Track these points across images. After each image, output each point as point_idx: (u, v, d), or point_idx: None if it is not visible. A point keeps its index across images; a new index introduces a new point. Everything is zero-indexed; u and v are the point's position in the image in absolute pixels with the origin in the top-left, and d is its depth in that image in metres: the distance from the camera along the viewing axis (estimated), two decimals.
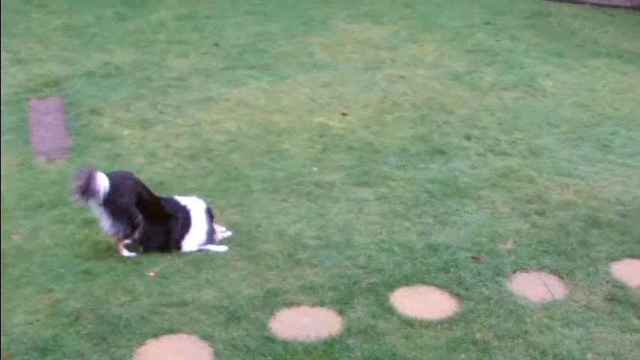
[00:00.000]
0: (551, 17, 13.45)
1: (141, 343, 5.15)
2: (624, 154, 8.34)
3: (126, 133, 8.34)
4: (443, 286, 5.85)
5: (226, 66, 10.39)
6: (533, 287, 5.88)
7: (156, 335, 5.22)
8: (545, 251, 6.35)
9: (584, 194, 7.37)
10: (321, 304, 5.61)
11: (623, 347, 5.27)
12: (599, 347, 5.25)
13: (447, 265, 6.08)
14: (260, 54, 10.89)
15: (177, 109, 8.99)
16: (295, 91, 9.64)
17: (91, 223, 6.45)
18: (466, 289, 5.81)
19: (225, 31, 11.83)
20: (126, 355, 5.03)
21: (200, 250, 6.29)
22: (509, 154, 8.20)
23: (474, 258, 6.21)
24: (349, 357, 5.06)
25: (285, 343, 5.15)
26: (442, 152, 8.16)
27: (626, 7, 14.23)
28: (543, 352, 5.18)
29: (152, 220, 6.19)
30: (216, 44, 11.24)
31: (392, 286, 5.81)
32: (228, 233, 6.51)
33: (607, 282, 5.97)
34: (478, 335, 5.32)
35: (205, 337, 5.21)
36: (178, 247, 6.29)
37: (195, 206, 6.37)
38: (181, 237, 6.28)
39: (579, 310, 5.64)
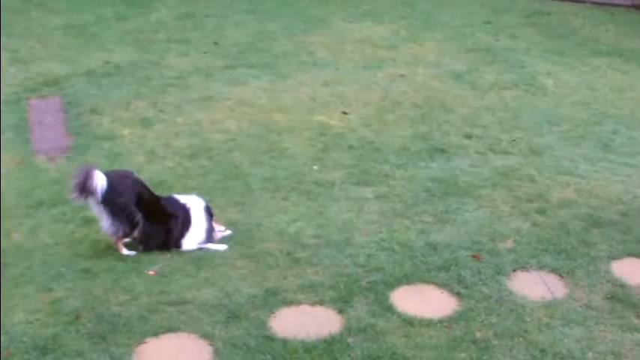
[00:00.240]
0: (552, 16, 13.44)
1: (141, 342, 5.15)
2: (625, 153, 8.33)
3: (126, 132, 8.34)
4: (443, 285, 5.85)
5: (226, 65, 10.39)
6: (534, 286, 5.88)
7: (156, 334, 5.22)
8: (546, 250, 6.34)
9: (585, 193, 7.36)
10: (321, 302, 5.60)
11: (623, 346, 5.26)
12: (599, 346, 5.25)
13: (447, 264, 6.08)
14: (260, 53, 10.89)
15: (178, 108, 8.99)
16: (295, 90, 9.63)
17: (90, 221, 6.44)
18: (466, 287, 5.81)
19: (225, 30, 11.83)
20: (126, 354, 5.03)
21: (200, 249, 6.28)
22: (509, 153, 8.19)
23: (474, 257, 6.20)
24: (349, 356, 5.06)
25: (285, 342, 5.15)
26: (442, 151, 8.16)
27: (627, 6, 14.21)
28: (543, 351, 5.17)
29: (152, 219, 6.18)
30: (216, 43, 11.24)
31: (392, 285, 5.81)
32: (228, 232, 6.51)
33: (607, 281, 5.97)
34: (478, 334, 5.31)
35: (205, 336, 5.21)
36: (178, 245, 6.28)
37: (195, 205, 6.36)
38: (181, 235, 6.28)
39: (579, 309, 5.63)
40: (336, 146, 8.21)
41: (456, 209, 6.97)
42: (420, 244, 6.37)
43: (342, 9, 13.12)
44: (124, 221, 6.08)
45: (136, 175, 6.45)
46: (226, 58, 10.64)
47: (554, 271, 6.07)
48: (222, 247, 6.31)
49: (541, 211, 6.96)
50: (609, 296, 5.78)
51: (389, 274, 5.93)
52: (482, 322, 5.44)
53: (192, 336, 5.22)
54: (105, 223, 6.10)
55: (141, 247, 6.24)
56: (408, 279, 5.90)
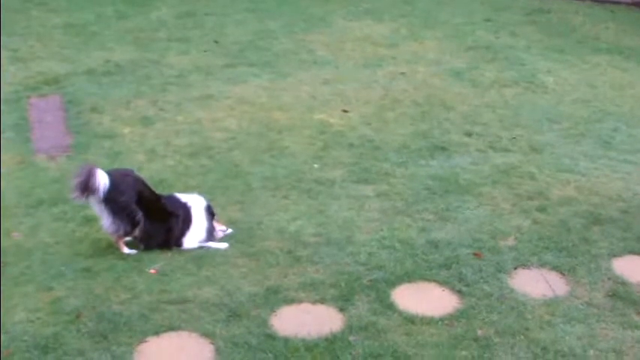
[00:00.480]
0: (552, 13, 13.43)
1: (141, 341, 5.15)
2: (625, 151, 8.33)
3: (126, 130, 8.34)
4: (444, 283, 5.84)
5: (227, 63, 10.38)
6: (535, 283, 5.88)
7: (156, 333, 5.22)
8: (547, 247, 6.34)
9: (585, 190, 7.36)
10: (322, 301, 5.60)
11: (625, 343, 5.26)
12: (600, 343, 5.25)
13: (448, 262, 6.08)
14: (260, 51, 10.88)
15: (178, 106, 8.98)
16: (296, 88, 9.63)
17: (91, 220, 6.44)
18: (467, 285, 5.81)
19: (225, 29, 11.82)
20: (126, 353, 5.03)
21: (201, 248, 6.28)
22: (510, 151, 8.19)
23: (475, 254, 6.20)
24: (350, 354, 5.06)
25: (286, 340, 5.15)
26: (443, 149, 8.15)
27: (627, 4, 14.20)
28: (544, 349, 5.17)
29: (152, 218, 6.18)
30: (217, 42, 11.23)
31: (393, 283, 5.81)
32: (229, 230, 6.51)
33: (608, 278, 5.96)
34: (479, 332, 5.31)
35: (206, 335, 5.21)
36: (179, 244, 6.29)
37: (196, 203, 6.36)
38: (182, 234, 6.28)
39: (580, 306, 5.63)
40: (336, 144, 8.20)
41: (457, 207, 6.97)
42: (420, 242, 6.37)
43: (343, 7, 13.11)
44: (124, 220, 6.08)
45: (137, 173, 6.45)
46: (226, 57, 10.64)
47: (555, 268, 6.07)
48: (223, 245, 6.31)
49: (542, 209, 6.96)
50: (610, 294, 5.77)
51: (390, 272, 5.93)
52: (484, 319, 5.44)
53: (194, 335, 5.22)
54: (106, 221, 6.10)
55: (142, 246, 6.24)
56: (409, 277, 5.90)
